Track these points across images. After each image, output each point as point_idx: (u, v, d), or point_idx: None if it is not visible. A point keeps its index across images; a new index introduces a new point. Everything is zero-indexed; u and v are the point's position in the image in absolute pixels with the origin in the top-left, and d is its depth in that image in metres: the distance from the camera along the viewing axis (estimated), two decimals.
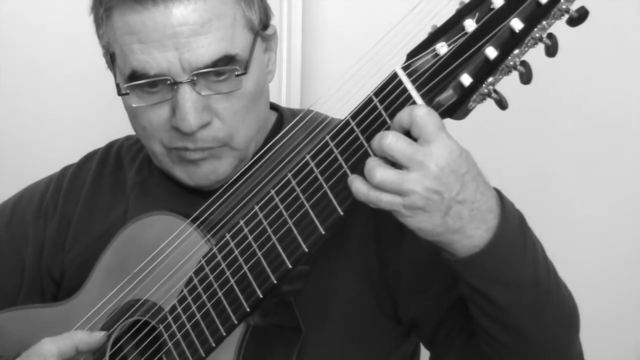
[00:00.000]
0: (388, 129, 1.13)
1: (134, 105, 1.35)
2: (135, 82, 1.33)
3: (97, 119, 2.15)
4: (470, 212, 1.13)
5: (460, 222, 1.13)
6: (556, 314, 1.23)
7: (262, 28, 1.39)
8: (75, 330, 1.39)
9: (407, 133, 1.12)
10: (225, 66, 1.31)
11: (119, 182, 1.52)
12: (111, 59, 1.38)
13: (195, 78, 1.31)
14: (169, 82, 1.31)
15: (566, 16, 1.07)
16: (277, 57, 1.45)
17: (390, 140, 1.10)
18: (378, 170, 1.11)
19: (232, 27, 1.32)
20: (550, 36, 1.08)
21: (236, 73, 1.32)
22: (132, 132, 1.50)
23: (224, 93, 1.33)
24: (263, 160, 1.32)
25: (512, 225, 1.17)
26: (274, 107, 1.50)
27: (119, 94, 1.36)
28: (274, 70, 1.44)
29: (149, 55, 1.30)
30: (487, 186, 1.15)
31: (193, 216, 1.33)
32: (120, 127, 1.57)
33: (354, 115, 1.16)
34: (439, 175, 1.10)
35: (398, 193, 1.11)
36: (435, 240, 1.15)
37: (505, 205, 1.17)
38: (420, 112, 1.10)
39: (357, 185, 1.13)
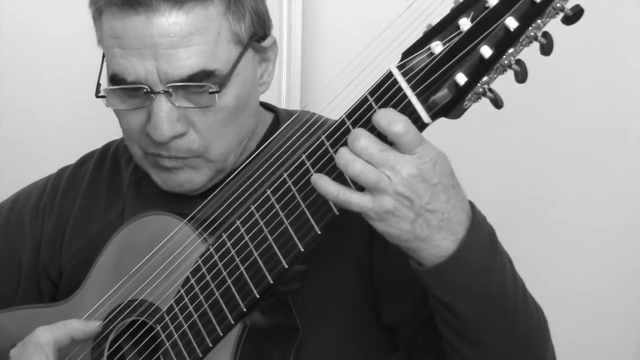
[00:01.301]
0: None
1: (114, 108, 1.36)
2: (114, 86, 1.34)
3: (95, 120, 2.14)
4: (439, 222, 1.13)
5: (428, 231, 1.13)
6: (523, 331, 1.24)
7: (257, 40, 1.38)
8: (71, 319, 1.39)
9: None
10: (200, 81, 1.31)
11: (116, 182, 1.53)
12: (103, 57, 1.39)
13: (170, 90, 1.31)
14: (144, 90, 1.32)
15: (561, 14, 1.06)
16: (275, 68, 1.44)
17: (363, 144, 1.11)
18: (358, 162, 1.11)
19: (215, 42, 1.32)
20: (545, 35, 1.08)
21: (210, 90, 1.32)
22: None
23: (199, 107, 1.33)
24: (261, 161, 1.32)
25: (480, 239, 1.17)
26: (270, 108, 1.50)
27: (97, 95, 1.37)
28: (270, 81, 1.44)
29: (128, 61, 1.31)
30: (460, 198, 1.15)
31: (190, 216, 1.33)
32: (117, 128, 1.57)
33: (349, 115, 1.16)
34: (410, 183, 1.10)
35: (372, 190, 1.11)
36: (402, 246, 1.15)
37: (475, 219, 1.17)
38: (395, 129, 1.09)
39: (324, 184, 1.14)
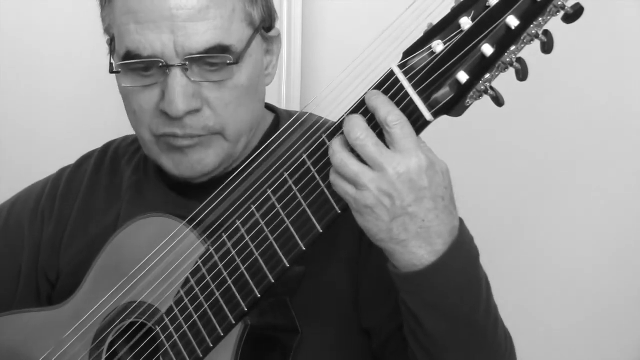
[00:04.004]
0: None
1: (124, 85, 1.36)
2: (129, 61, 1.33)
3: (95, 120, 2.15)
4: (417, 229, 1.13)
5: (405, 235, 1.13)
6: (487, 358, 1.24)
7: (264, 28, 1.39)
8: None
9: None
10: (218, 54, 1.32)
11: (115, 183, 1.52)
12: (111, 43, 1.38)
13: (187, 63, 1.31)
14: (160, 64, 1.32)
15: (562, 13, 1.07)
16: (278, 62, 1.44)
17: (359, 136, 1.12)
18: (340, 154, 1.13)
19: (230, 18, 1.32)
20: (546, 33, 1.08)
21: (228, 62, 1.32)
22: (129, 132, 1.50)
23: (215, 81, 1.33)
24: (259, 161, 1.32)
25: (460, 259, 1.17)
26: (270, 108, 1.50)
27: (111, 71, 1.36)
28: (274, 74, 1.44)
29: (143, 36, 1.31)
30: (448, 213, 1.15)
31: (189, 217, 1.33)
32: (117, 128, 1.57)
33: (351, 114, 1.16)
34: (394, 181, 1.11)
35: (354, 184, 1.12)
36: (380, 245, 1.16)
37: (460, 238, 1.16)
38: (389, 119, 1.11)
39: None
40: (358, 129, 1.13)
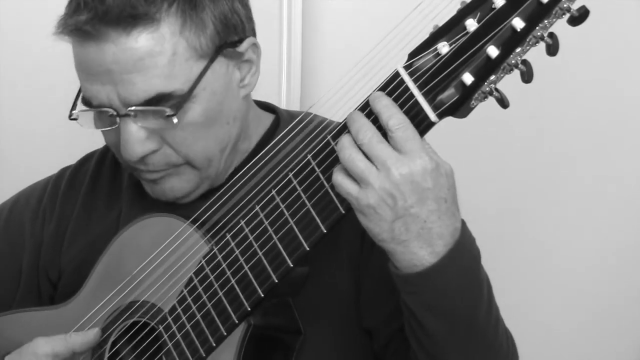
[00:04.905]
0: None
1: (83, 126, 1.37)
2: (84, 109, 1.35)
3: None
4: (418, 229, 1.13)
5: (406, 235, 1.14)
6: (489, 357, 1.24)
7: (230, 45, 1.34)
8: (69, 333, 1.39)
9: None
10: (158, 104, 1.29)
11: (116, 183, 1.52)
12: None
13: (133, 112, 1.30)
14: (109, 114, 1.32)
15: (567, 15, 1.07)
16: (259, 67, 1.40)
17: (364, 136, 1.13)
18: (349, 149, 1.13)
19: (170, 64, 1.29)
20: (552, 35, 1.08)
21: (166, 114, 1.30)
22: None
23: (160, 128, 1.32)
24: (263, 162, 1.32)
25: (461, 261, 1.17)
26: (271, 108, 1.49)
27: (70, 117, 1.37)
28: (255, 80, 1.40)
29: (91, 85, 1.32)
30: (450, 214, 1.15)
31: (193, 217, 1.33)
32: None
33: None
34: (398, 182, 1.11)
35: (359, 181, 1.13)
36: (381, 245, 1.16)
37: (462, 240, 1.17)
38: (391, 123, 1.12)
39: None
40: (366, 128, 1.13)
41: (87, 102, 1.34)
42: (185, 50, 1.30)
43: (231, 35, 1.34)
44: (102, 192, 1.53)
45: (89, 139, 1.67)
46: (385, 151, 1.12)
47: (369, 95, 1.15)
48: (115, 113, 1.31)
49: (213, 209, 1.33)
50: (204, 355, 1.30)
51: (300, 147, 1.26)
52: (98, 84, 1.30)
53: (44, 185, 1.58)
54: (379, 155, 1.12)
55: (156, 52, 1.28)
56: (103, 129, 1.36)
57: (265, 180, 1.28)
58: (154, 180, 1.38)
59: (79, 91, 1.37)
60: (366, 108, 1.15)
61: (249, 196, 1.30)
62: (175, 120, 1.29)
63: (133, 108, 1.30)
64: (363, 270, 1.35)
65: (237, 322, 1.27)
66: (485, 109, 1.14)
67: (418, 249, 1.15)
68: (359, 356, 1.39)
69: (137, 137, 1.31)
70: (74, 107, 1.37)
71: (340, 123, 1.18)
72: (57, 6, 2.17)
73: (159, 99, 1.29)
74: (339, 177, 1.15)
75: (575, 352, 2.01)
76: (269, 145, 1.33)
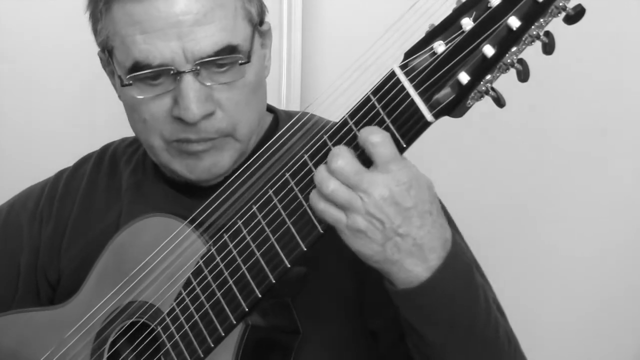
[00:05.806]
0: (386, 128, 1.14)
1: (137, 97, 1.35)
2: (139, 72, 1.33)
3: (93, 122, 2.15)
4: (410, 247, 1.14)
5: (398, 255, 1.14)
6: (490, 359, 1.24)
7: (258, 23, 1.39)
8: None
9: None
10: (228, 55, 1.32)
11: (114, 184, 1.52)
12: (109, 55, 1.37)
13: (198, 68, 1.31)
14: (171, 72, 1.31)
15: (563, 14, 1.07)
16: (271, 55, 1.45)
17: (340, 164, 1.12)
18: (332, 182, 1.13)
19: (234, 18, 1.33)
20: (548, 34, 1.08)
21: (240, 62, 1.33)
22: (128, 134, 1.50)
23: (226, 83, 1.33)
24: (260, 162, 1.32)
25: (454, 270, 1.17)
26: (269, 108, 1.50)
27: (122, 84, 1.35)
28: (269, 66, 1.45)
29: (151, 45, 1.31)
30: (438, 226, 1.15)
31: (190, 217, 1.33)
32: (116, 130, 1.57)
33: (352, 114, 1.16)
34: (381, 205, 1.12)
35: (347, 208, 1.13)
36: (375, 267, 1.16)
37: (453, 249, 1.17)
38: (373, 139, 1.12)
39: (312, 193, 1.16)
40: (339, 157, 1.13)
41: (143, 66, 1.32)
42: (242, 9, 1.35)
43: (260, 14, 1.40)
44: (100, 193, 1.53)
45: (89, 139, 1.67)
46: (365, 176, 1.12)
47: (366, 94, 1.15)
48: (176, 71, 1.31)
49: (211, 209, 1.33)
50: (202, 355, 1.30)
51: (298, 147, 1.26)
52: (162, 40, 1.30)
53: (41, 187, 1.58)
54: (358, 182, 1.12)
55: (223, 4, 1.32)
56: (155, 95, 1.34)
57: (262, 181, 1.28)
58: (197, 153, 1.37)
59: (114, 68, 1.36)
60: (362, 108, 1.15)
61: (247, 196, 1.30)
62: (246, 71, 1.33)
63: (204, 60, 1.31)
64: (365, 273, 1.35)
65: (235, 322, 1.27)
66: (481, 108, 1.14)
67: (413, 267, 1.15)
68: (360, 356, 1.39)
69: (199, 95, 1.32)
70: (120, 79, 1.35)
71: (337, 123, 1.18)
72: (57, 6, 2.19)
73: (227, 52, 1.32)
74: (320, 204, 1.15)
75: (575, 351, 2.01)
76: (265, 146, 1.33)
